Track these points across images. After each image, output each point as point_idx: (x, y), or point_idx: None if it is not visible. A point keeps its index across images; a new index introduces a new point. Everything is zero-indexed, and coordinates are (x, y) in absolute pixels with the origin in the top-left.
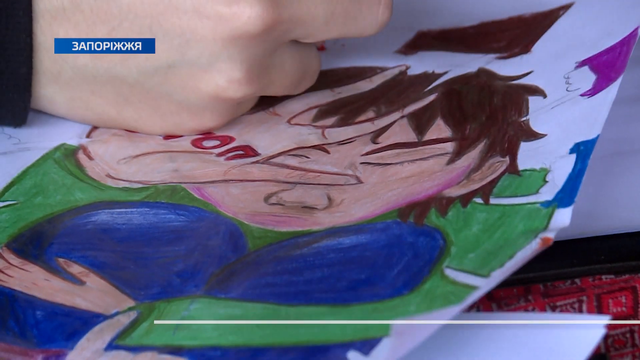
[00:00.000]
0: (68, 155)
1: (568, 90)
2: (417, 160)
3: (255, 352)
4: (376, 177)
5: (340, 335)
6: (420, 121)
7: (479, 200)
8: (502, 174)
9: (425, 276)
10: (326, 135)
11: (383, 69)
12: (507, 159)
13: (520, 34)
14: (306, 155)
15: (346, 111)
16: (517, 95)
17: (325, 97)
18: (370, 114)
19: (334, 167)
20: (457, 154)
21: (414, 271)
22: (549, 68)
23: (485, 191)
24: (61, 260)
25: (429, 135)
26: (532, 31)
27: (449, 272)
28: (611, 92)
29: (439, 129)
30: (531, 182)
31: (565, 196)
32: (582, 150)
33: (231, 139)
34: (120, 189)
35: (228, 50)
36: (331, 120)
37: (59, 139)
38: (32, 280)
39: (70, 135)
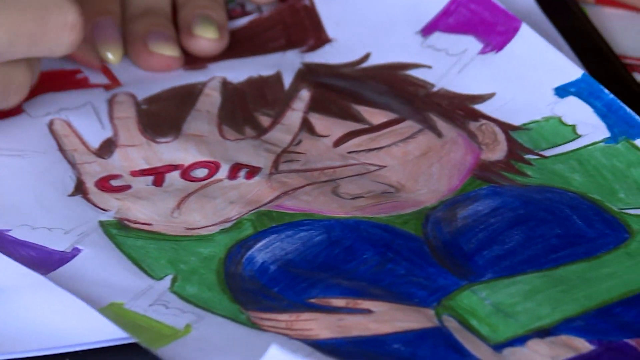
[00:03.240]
0: None
1: (450, 54)
2: (405, 139)
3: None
4: (393, 159)
5: None
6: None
7: (534, 157)
8: (506, 132)
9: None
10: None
11: None
12: (483, 120)
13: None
14: (296, 159)
15: None
16: (399, 77)
17: None
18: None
19: (334, 162)
20: (432, 128)
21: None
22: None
23: (523, 149)
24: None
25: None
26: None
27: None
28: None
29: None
30: (552, 130)
31: (628, 128)
32: (583, 88)
33: (217, 164)
34: (218, 233)
35: None
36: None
37: None
38: None
39: None
